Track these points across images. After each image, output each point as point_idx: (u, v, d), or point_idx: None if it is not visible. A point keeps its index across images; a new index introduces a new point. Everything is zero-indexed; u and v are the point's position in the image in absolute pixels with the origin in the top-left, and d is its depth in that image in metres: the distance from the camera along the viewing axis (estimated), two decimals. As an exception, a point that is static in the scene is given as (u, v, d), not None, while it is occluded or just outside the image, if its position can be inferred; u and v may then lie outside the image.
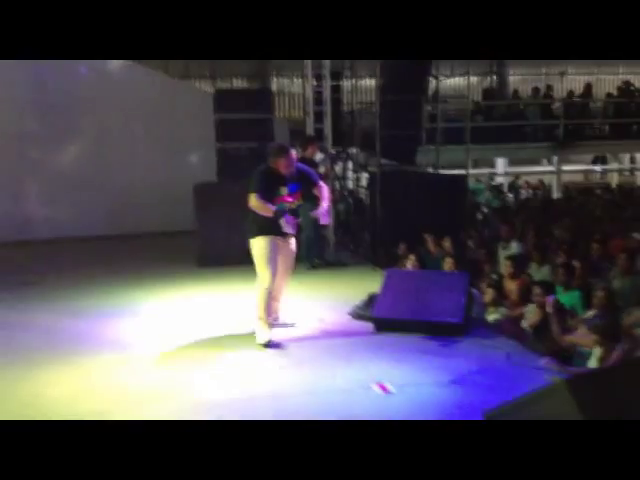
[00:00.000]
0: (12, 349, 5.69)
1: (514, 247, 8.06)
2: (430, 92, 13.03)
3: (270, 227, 5.74)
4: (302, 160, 8.86)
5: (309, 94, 9.69)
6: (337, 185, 11.48)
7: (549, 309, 5.69)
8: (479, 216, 12.19)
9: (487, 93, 16.91)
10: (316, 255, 8.73)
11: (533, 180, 18.30)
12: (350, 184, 13.22)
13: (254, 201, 5.65)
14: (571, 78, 18.40)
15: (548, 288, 6.08)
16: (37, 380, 4.96)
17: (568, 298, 6.06)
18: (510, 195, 15.37)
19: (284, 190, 5.78)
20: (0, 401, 4.56)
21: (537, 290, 6.00)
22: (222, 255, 8.60)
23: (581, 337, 5.48)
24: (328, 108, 9.74)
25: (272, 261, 5.74)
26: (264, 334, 5.68)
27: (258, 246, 5.74)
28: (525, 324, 6.06)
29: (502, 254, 7.93)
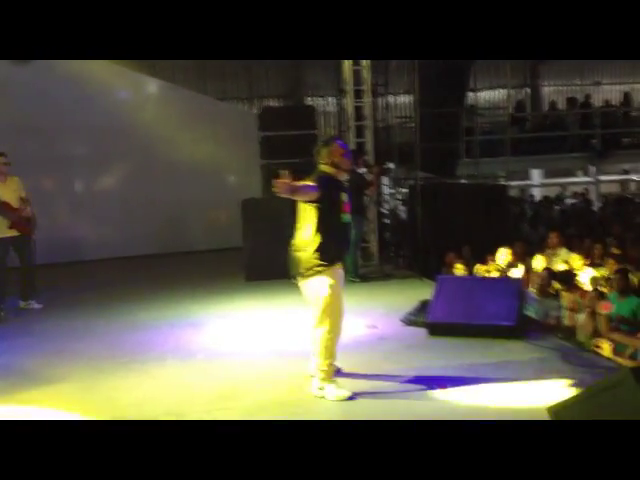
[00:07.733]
0: (78, 359, 5.89)
1: (563, 255, 8.08)
2: (466, 105, 13.20)
3: (334, 254, 4.47)
4: (351, 173, 9.02)
5: (351, 109, 9.81)
6: (382, 200, 11.56)
7: (600, 311, 5.79)
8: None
9: (520, 105, 16.95)
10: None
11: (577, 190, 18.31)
12: (386, 199, 13.33)
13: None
14: (607, 88, 18.34)
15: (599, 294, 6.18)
16: (107, 386, 5.17)
17: (626, 305, 6.07)
18: (557, 207, 15.38)
19: (345, 196, 4.63)
20: (76, 404, 4.74)
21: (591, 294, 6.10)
22: (269, 269, 8.73)
23: (626, 336, 5.60)
24: (370, 123, 9.86)
25: (339, 299, 4.51)
26: (338, 390, 4.65)
27: (322, 285, 4.44)
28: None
29: (552, 262, 7.95)
